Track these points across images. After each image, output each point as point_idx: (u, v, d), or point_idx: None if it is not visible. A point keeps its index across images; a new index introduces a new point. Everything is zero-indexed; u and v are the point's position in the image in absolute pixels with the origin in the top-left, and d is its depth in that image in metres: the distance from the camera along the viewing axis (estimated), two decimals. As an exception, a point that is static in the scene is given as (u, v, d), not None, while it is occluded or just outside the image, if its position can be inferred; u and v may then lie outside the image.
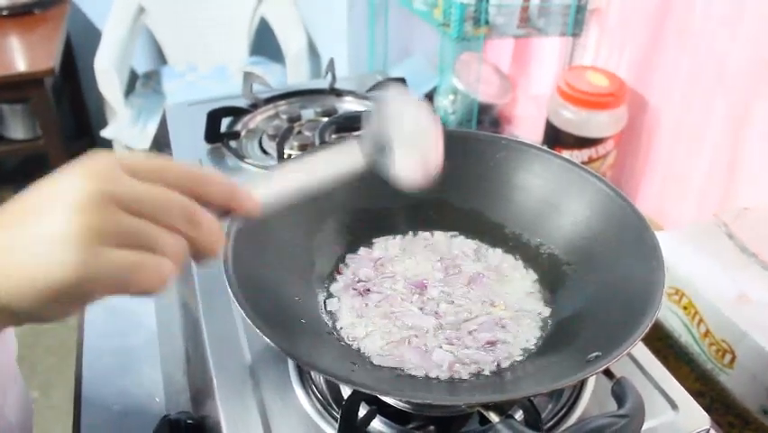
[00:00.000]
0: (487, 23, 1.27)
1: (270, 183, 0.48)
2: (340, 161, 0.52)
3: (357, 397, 0.52)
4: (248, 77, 1.04)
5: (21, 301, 0.37)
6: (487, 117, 1.49)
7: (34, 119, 2.22)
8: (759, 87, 0.97)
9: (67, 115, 2.59)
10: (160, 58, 2.56)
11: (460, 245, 0.70)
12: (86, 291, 0.37)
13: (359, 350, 0.59)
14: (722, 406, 0.79)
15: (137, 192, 0.38)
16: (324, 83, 1.08)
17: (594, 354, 0.50)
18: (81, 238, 0.36)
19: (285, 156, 0.86)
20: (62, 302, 0.37)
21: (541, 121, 1.28)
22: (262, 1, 2.38)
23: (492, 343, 0.59)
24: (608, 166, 1.24)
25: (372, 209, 0.71)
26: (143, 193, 0.38)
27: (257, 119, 1.01)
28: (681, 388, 0.59)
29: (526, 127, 1.50)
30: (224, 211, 0.43)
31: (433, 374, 0.56)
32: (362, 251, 0.69)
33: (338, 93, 1.07)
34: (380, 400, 0.56)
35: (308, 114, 1.01)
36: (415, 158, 0.54)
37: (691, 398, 0.58)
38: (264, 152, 0.94)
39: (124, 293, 0.38)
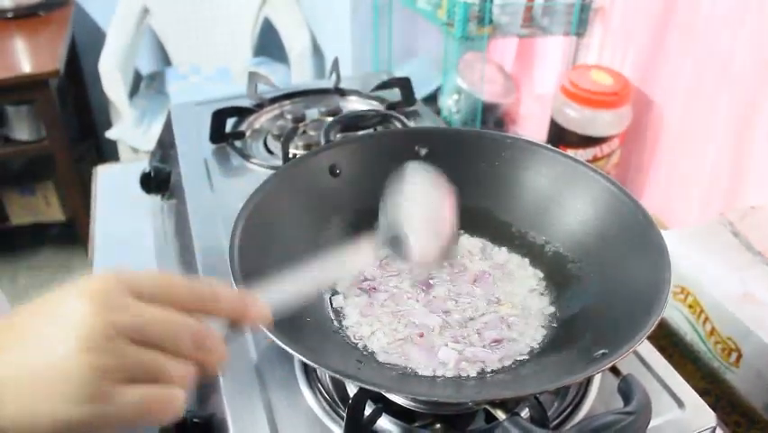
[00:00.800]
0: (491, 22, 1.27)
1: (281, 289, 0.47)
2: (353, 263, 0.53)
3: (363, 395, 0.52)
4: (252, 77, 1.04)
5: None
6: (491, 117, 1.49)
7: (39, 120, 2.22)
8: (764, 86, 0.97)
9: (71, 117, 2.59)
10: (164, 59, 2.56)
11: (465, 244, 0.70)
12: (95, 429, 0.36)
13: (365, 348, 0.59)
14: (728, 404, 0.79)
15: (144, 321, 0.37)
16: (328, 83, 1.08)
17: (600, 351, 0.50)
18: (89, 380, 0.34)
19: (290, 156, 0.86)
20: None
21: (545, 120, 1.28)
22: (266, 1, 2.38)
23: (498, 341, 0.59)
24: (612, 165, 1.24)
25: (377, 208, 0.71)
26: (150, 321, 0.37)
27: (262, 119, 1.01)
28: (688, 386, 0.59)
29: (531, 127, 1.50)
30: (231, 322, 0.42)
31: (439, 372, 0.56)
32: (368, 249, 0.69)
33: (342, 93, 1.07)
34: (386, 398, 0.56)
35: (313, 113, 1.01)
36: (430, 240, 0.55)
37: (697, 396, 0.58)
38: (269, 151, 0.94)
39: (136, 427, 0.37)
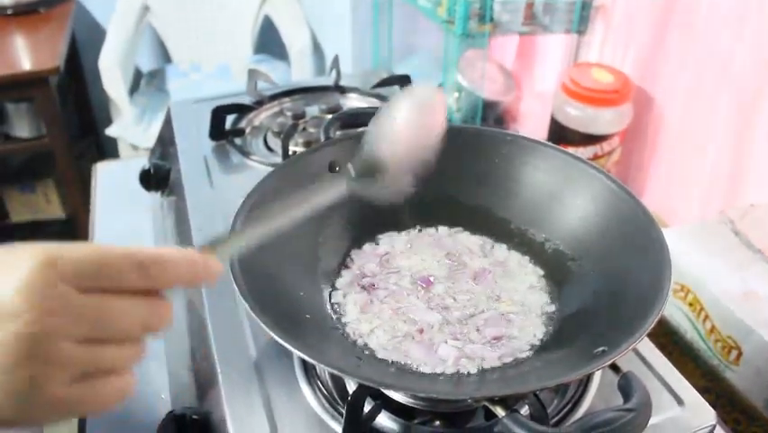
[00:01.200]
0: (491, 19, 1.27)
1: (237, 237, 0.45)
2: (326, 194, 0.48)
3: (362, 392, 0.52)
4: (252, 74, 1.04)
5: None
6: (491, 115, 1.49)
7: (39, 118, 2.22)
8: (764, 86, 0.97)
9: (72, 114, 2.59)
10: (165, 56, 2.56)
11: (465, 241, 0.70)
12: (36, 423, 0.35)
13: (364, 345, 0.59)
14: (728, 403, 0.79)
15: (89, 316, 0.34)
16: (328, 80, 1.08)
17: (600, 348, 0.50)
18: (29, 390, 0.33)
19: (290, 153, 0.86)
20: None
21: (546, 118, 1.28)
22: (266, -1, 2.38)
23: (498, 338, 0.59)
24: (612, 163, 1.24)
25: (377, 205, 0.71)
26: (96, 314, 0.34)
27: (261, 116, 1.01)
28: (688, 383, 0.59)
29: (531, 124, 1.49)
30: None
31: (438, 369, 0.56)
32: (367, 246, 0.69)
33: (343, 90, 1.07)
34: (386, 395, 0.56)
35: (313, 111, 1.01)
36: (405, 169, 0.52)
37: (697, 393, 0.58)
38: (269, 149, 0.94)
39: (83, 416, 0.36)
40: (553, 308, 0.63)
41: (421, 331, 0.59)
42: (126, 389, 0.37)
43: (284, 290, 0.59)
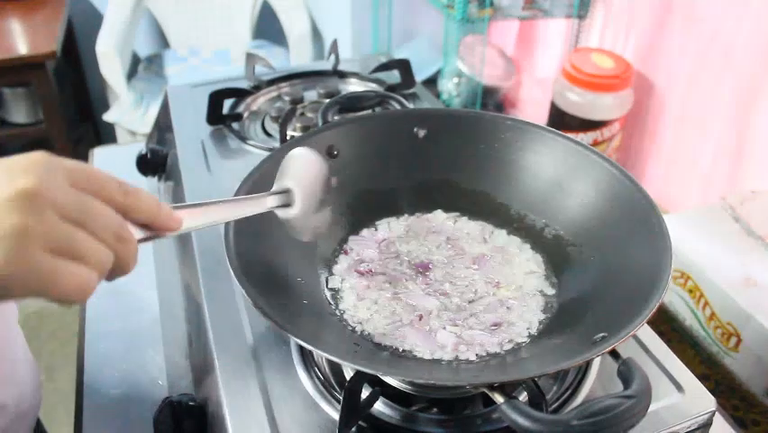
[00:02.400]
0: (492, 4, 1.26)
1: (192, 211, 0.49)
2: (257, 207, 0.54)
3: (360, 378, 0.51)
4: (250, 58, 1.03)
5: None
6: (491, 100, 1.48)
7: (36, 103, 2.21)
8: (766, 71, 0.96)
9: (69, 100, 2.58)
10: (163, 41, 2.55)
11: (464, 226, 0.70)
12: (5, 288, 0.37)
13: (362, 331, 0.58)
14: (727, 389, 0.79)
15: (75, 201, 0.39)
16: (327, 65, 1.07)
17: (600, 335, 0.50)
18: (12, 238, 0.36)
19: (287, 137, 0.85)
20: None
21: (546, 104, 1.27)
22: (265, -16, 2.36)
23: (497, 324, 0.58)
24: (613, 149, 1.23)
25: (376, 190, 0.71)
26: (81, 203, 0.39)
27: (259, 101, 1.00)
28: (687, 370, 0.59)
29: (531, 110, 1.49)
30: (145, 228, 0.44)
31: (437, 355, 0.56)
32: (366, 232, 0.69)
33: (341, 74, 1.06)
34: (383, 381, 0.56)
35: (311, 95, 1.00)
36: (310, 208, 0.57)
37: (697, 380, 0.58)
38: (267, 133, 0.93)
39: (45, 297, 0.38)
40: (552, 293, 0.62)
41: (420, 317, 0.59)
42: (89, 284, 0.39)
43: (281, 276, 0.59)
